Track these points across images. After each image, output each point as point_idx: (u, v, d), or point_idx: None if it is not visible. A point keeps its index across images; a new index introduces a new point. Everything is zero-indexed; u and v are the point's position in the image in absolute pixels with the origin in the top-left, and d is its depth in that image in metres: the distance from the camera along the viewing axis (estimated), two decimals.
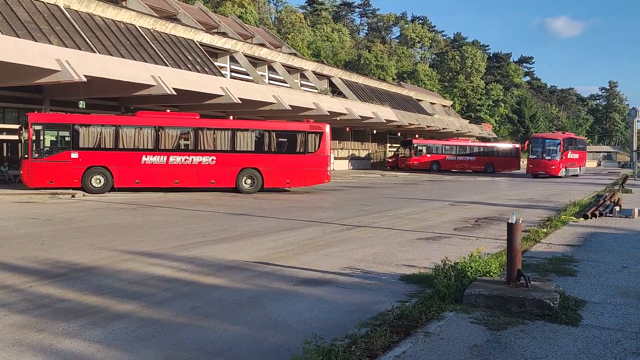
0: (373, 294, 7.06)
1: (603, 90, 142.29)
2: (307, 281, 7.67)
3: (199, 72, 31.75)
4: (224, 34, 41.33)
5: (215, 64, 36.35)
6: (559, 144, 43.00)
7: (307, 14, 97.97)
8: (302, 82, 47.62)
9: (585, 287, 7.21)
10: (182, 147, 22.88)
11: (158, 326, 5.70)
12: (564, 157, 43.57)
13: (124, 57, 26.96)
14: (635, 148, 51.41)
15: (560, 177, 42.55)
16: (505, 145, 57.25)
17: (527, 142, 45.89)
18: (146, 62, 28.13)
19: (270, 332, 5.56)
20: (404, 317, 5.79)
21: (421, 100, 68.83)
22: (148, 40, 31.34)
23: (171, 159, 22.17)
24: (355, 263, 8.85)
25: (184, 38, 34.57)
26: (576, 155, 47.88)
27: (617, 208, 16.21)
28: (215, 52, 38.44)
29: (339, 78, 51.43)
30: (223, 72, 37.01)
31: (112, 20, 30.24)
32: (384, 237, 11.73)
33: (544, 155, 43.30)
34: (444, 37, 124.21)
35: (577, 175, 46.83)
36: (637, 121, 53.58)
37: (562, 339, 5.21)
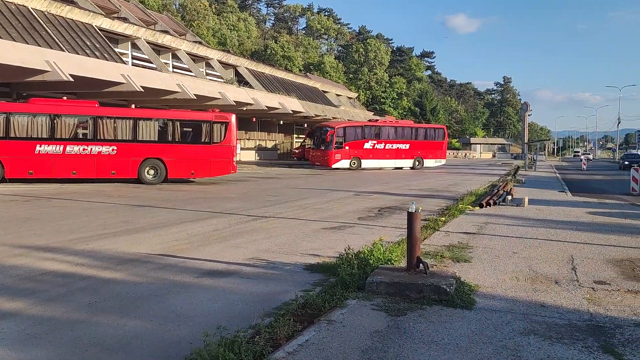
0: (278, 284, 7.06)
1: (498, 85, 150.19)
2: (212, 273, 7.56)
3: (98, 58, 30.33)
4: (125, 20, 39.72)
5: (116, 50, 34.85)
6: (332, 134, 39.07)
7: (212, 2, 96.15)
8: (208, 71, 46.75)
9: (479, 272, 7.58)
10: (80, 137, 21.82)
11: (52, 323, 5.41)
12: (343, 148, 39.58)
13: (15, 41, 25.27)
14: (526, 140, 54.62)
15: (335, 169, 39.18)
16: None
17: (308, 131, 42.48)
18: (40, 46, 26.53)
19: (172, 325, 5.43)
20: (308, 306, 5.84)
21: (327, 92, 69.54)
22: (42, 23, 29.53)
23: (68, 148, 21.10)
24: (260, 254, 8.82)
25: (81, 22, 32.86)
26: (393, 147, 42.72)
27: (510, 197, 17.16)
28: (115, 38, 36.87)
29: (246, 68, 50.94)
30: (124, 59, 35.58)
31: (2, 1, 28.25)
32: (289, 227, 11.77)
33: (321, 145, 40.45)
34: (350, 30, 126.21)
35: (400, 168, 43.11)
36: (529, 115, 56.83)
37: (457, 322, 5.46)
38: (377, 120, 49.73)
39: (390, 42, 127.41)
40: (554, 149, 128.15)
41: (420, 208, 7.05)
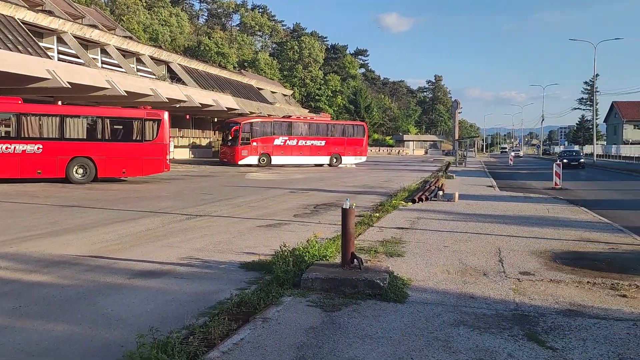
0: (213, 283, 6.99)
1: (430, 84, 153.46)
2: (144, 273, 7.40)
3: (21, 52, 29.02)
4: (50, 13, 38.19)
5: (41, 44, 33.46)
6: (237, 129, 38.81)
7: None
8: (139, 67, 45.59)
9: (411, 266, 7.75)
10: (3, 135, 20.87)
11: None
12: (250, 144, 39.09)
13: None
14: (456, 137, 56.03)
15: (241, 165, 38.63)
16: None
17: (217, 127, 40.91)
18: None
19: (102, 329, 5.28)
20: (243, 305, 5.81)
21: (262, 89, 69.24)
22: None
23: None
24: (195, 253, 8.70)
25: (2, 15, 31.31)
26: (307, 143, 42.06)
27: (441, 193, 17.62)
28: (40, 32, 35.36)
29: (178, 64, 50.00)
30: (50, 53, 34.16)
31: None
32: (224, 225, 11.66)
33: (228, 141, 40.06)
34: (284, 27, 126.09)
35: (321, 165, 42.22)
36: (459, 112, 58.41)
37: (391, 316, 5.57)
38: (310, 117, 48.70)
39: (325, 39, 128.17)
40: (483, 145, 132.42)
41: (354, 204, 7.14)
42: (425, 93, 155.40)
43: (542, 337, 5.10)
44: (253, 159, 39.34)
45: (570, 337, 5.11)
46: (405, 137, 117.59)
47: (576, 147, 77.84)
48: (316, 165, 42.35)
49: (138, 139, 22.88)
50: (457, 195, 16.98)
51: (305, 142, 42.04)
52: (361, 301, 6.00)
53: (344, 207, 6.82)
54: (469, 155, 75.47)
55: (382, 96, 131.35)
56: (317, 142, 42.50)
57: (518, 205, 16.00)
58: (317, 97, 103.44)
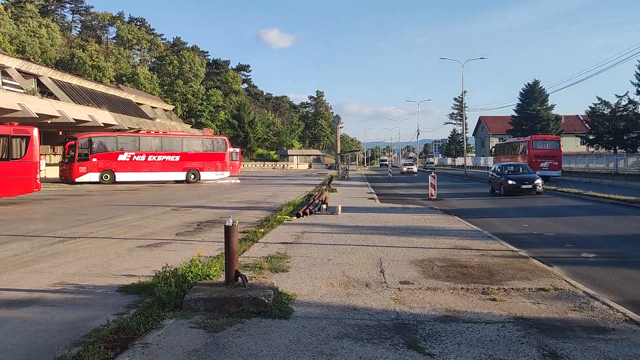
0: (87, 309, 6.59)
1: (312, 99, 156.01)
2: (10, 303, 6.83)
3: None
4: None
5: None
6: (73, 144, 37.08)
7: (8, 5, 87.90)
8: (5, 80, 42.50)
9: (296, 281, 7.77)
10: None
11: None
12: (89, 160, 37.31)
13: None
14: (338, 151, 57.35)
15: (79, 182, 36.64)
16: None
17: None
18: None
19: None
20: (122, 331, 5.54)
21: (142, 104, 67.07)
22: None
23: None
24: (68, 278, 8.18)
25: None
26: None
27: (325, 206, 17.91)
28: None
29: (49, 78, 47.24)
30: None
31: None
32: (101, 247, 11.09)
33: (66, 158, 38.19)
34: (164, 41, 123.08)
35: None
36: (340, 127, 59.81)
37: (276, 333, 5.54)
38: (162, 132, 46.41)
39: (206, 54, 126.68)
40: (364, 158, 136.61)
41: (238, 221, 7.06)
42: (307, 108, 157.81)
43: (421, 344, 5.29)
44: (94, 176, 37.39)
45: (446, 342, 5.34)
46: (290, 151, 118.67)
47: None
48: (176, 181, 40.68)
49: (4, 157, 21.22)
50: (340, 208, 17.33)
51: (156, 158, 39.96)
52: (246, 319, 5.92)
53: (226, 224, 6.72)
54: (351, 168, 77.52)
55: (266, 111, 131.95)
56: (170, 158, 40.42)
57: (397, 216, 16.60)
58: (199, 113, 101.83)
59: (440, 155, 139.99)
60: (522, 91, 74.35)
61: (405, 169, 68.88)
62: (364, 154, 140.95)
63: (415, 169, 70.13)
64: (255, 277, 7.71)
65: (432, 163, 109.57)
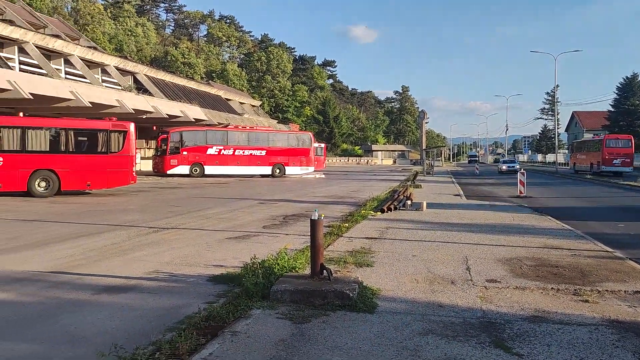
0: (180, 297, 6.89)
1: (397, 94, 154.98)
2: (109, 289, 7.25)
3: None
4: (10, 22, 37.46)
5: (1, 55, 32.81)
6: (165, 138, 39.03)
7: (107, 6, 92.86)
8: (104, 78, 45.02)
9: (380, 276, 7.77)
10: None
11: None
12: (180, 153, 38.81)
13: None
14: (424, 147, 56.63)
15: (171, 174, 38.30)
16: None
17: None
18: None
19: (65, 347, 5.14)
20: (212, 318, 5.74)
21: (230, 100, 69.01)
22: None
23: None
24: (162, 266, 8.57)
25: None
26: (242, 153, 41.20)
27: (409, 202, 17.75)
28: (0, 42, 34.71)
29: (145, 75, 49.53)
30: (11, 64, 33.55)
31: None
32: (192, 238, 11.53)
33: (158, 151, 40.20)
34: (252, 38, 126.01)
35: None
36: (426, 123, 58.96)
37: (360, 326, 5.56)
38: (249, 126, 47.48)
39: (293, 50, 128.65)
40: (449, 154, 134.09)
41: (323, 215, 7.14)
42: (392, 103, 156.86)
43: (509, 343, 5.15)
44: (184, 169, 38.83)
45: (535, 343, 5.18)
46: (374, 147, 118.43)
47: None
48: (262, 175, 41.68)
49: (103, 150, 22.51)
50: (424, 205, 17.13)
51: (243, 152, 41.09)
52: (331, 312, 5.98)
53: (312, 218, 6.80)
54: (437, 164, 76.35)
55: (351, 107, 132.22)
56: (256, 152, 41.50)
57: (484, 214, 16.21)
58: (285, 108, 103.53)
59: (529, 151, 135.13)
60: (619, 85, 70.51)
61: (505, 167, 57.12)
62: (449, 149, 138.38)
63: (518, 166, 55.72)
64: (340, 271, 7.77)
65: (475, 156, 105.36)
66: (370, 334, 5.35)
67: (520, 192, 24.06)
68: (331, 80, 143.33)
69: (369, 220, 14.37)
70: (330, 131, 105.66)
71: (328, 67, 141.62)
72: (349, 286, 6.42)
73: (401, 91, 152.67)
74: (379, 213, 15.81)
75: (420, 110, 70.23)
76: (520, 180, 24.57)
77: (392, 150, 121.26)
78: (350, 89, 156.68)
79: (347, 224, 13.18)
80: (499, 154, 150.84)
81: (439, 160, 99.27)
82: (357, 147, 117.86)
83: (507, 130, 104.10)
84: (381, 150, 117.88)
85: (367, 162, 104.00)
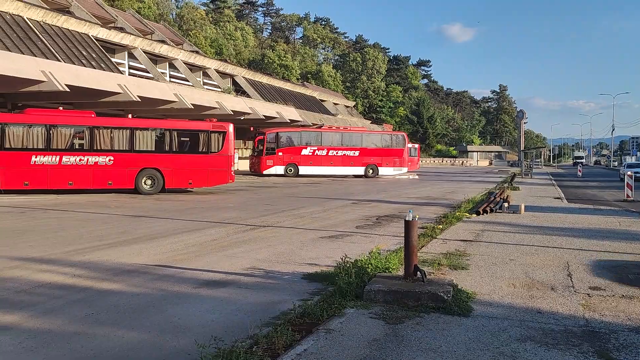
0: (276, 293, 7.08)
1: (494, 93, 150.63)
2: (209, 283, 7.57)
3: (94, 68, 30.40)
4: (121, 29, 39.86)
5: (113, 60, 34.97)
6: (262, 139, 39.83)
7: (209, 11, 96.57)
8: (205, 80, 46.90)
9: (476, 280, 7.60)
10: (77, 147, 21.82)
11: (48, 336, 5.41)
12: (276, 154, 39.55)
13: (10, 51, 25.32)
14: (522, 148, 54.64)
15: (266, 175, 39.11)
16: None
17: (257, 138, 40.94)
18: (35, 56, 26.60)
19: (169, 337, 5.43)
20: (306, 315, 5.86)
21: (324, 101, 69.74)
22: (37, 33, 29.61)
23: (64, 159, 21.09)
24: (258, 263, 8.83)
25: (77, 32, 32.97)
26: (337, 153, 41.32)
27: (506, 204, 17.20)
28: (112, 48, 37.00)
29: (243, 77, 51.09)
30: (121, 68, 35.69)
31: None
32: (287, 236, 11.79)
33: (255, 151, 41.04)
34: (346, 39, 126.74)
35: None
36: (524, 123, 56.87)
37: (455, 330, 5.48)
38: (342, 127, 47.54)
39: (387, 51, 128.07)
40: (549, 155, 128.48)
41: (417, 216, 7.09)
42: (489, 103, 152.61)
43: (614, 354, 4.90)
44: (279, 169, 39.57)
45: None
46: (469, 147, 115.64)
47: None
48: (355, 176, 41.75)
49: (204, 150, 23.50)
50: (523, 207, 16.55)
51: (337, 153, 41.26)
52: (424, 314, 5.93)
53: (406, 218, 6.78)
54: (536, 165, 73.45)
55: (446, 107, 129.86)
56: (349, 153, 41.61)
57: (587, 218, 15.43)
58: (378, 109, 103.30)
59: (638, 153, 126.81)
60: None
61: (630, 173, 30.30)
62: (549, 150, 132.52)
63: None
64: (433, 273, 7.69)
65: (582, 158, 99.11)
66: (465, 338, 5.26)
67: (628, 196, 22.69)
68: (425, 80, 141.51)
69: (463, 222, 14.09)
70: (424, 131, 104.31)
71: (422, 67, 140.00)
72: (443, 288, 6.34)
73: (498, 90, 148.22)
74: (475, 215, 15.44)
75: (518, 109, 67.77)
76: (627, 183, 23.17)
77: (488, 151, 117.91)
78: (445, 88, 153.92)
79: (441, 226, 12.99)
80: (603, 155, 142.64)
81: (538, 161, 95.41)
82: (451, 148, 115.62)
83: (613, 130, 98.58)
84: (477, 151, 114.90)
85: (461, 163, 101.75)
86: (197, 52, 50.58)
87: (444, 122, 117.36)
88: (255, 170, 40.19)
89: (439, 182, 37.31)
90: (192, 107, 32.60)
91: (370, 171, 42.11)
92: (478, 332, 5.44)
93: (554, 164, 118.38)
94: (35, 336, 5.39)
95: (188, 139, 23.77)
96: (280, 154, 39.76)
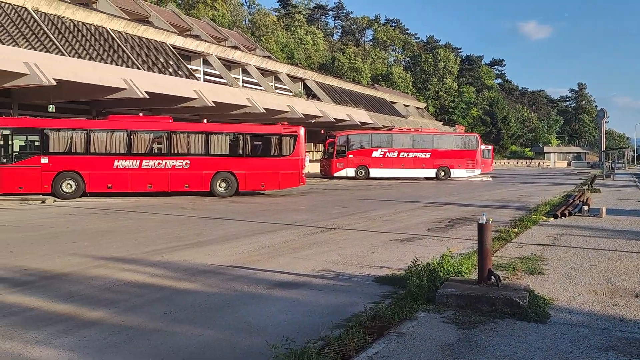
0: (347, 295, 7.10)
1: (572, 92, 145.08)
2: (282, 284, 7.68)
3: (172, 75, 31.52)
4: (197, 37, 41.12)
5: (189, 67, 36.14)
6: (332, 142, 39.71)
7: (280, 17, 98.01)
8: (277, 85, 47.62)
9: (553, 285, 7.34)
10: (155, 151, 22.67)
11: (130, 332, 5.66)
12: (346, 156, 39.47)
13: (94, 60, 26.65)
14: (603, 148, 52.44)
15: (337, 177, 39.11)
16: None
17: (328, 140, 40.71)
18: (117, 65, 27.86)
19: (243, 336, 5.55)
20: (378, 318, 5.84)
21: (395, 103, 69.28)
22: (119, 43, 31.02)
23: (144, 163, 21.96)
24: (329, 265, 8.88)
25: (156, 41, 34.30)
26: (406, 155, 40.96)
27: (586, 207, 16.51)
28: (188, 55, 38.22)
29: (313, 81, 51.52)
30: (196, 75, 36.82)
31: (82, 22, 29.85)
32: (358, 239, 11.79)
33: (326, 154, 40.89)
34: (417, 40, 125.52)
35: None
36: (605, 122, 54.52)
37: (531, 337, 5.31)
38: (413, 129, 46.94)
39: (459, 51, 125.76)
40: (633, 156, 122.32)
41: (491, 219, 6.93)
42: (567, 102, 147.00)
43: None
44: (349, 172, 39.45)
45: None
46: (546, 148, 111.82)
47: None
48: (426, 178, 41.14)
49: (276, 154, 23.87)
50: (604, 210, 15.83)
51: (408, 155, 40.83)
52: (499, 320, 5.78)
53: (480, 222, 6.64)
54: (618, 167, 70.19)
55: (521, 107, 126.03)
56: (420, 155, 41.08)
57: None
58: (450, 110, 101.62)
59: None
60: None
61: None
62: (633, 151, 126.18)
63: None
64: (508, 278, 7.49)
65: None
66: (543, 345, 5.09)
67: None
68: (499, 80, 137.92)
69: (540, 225, 13.64)
70: (498, 132, 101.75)
71: (496, 67, 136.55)
72: (519, 294, 6.16)
73: (577, 89, 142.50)
74: (552, 218, 14.91)
75: (599, 109, 64.90)
76: None
77: (566, 152, 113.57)
78: (520, 88, 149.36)
79: (516, 229, 12.62)
80: None
81: (621, 162, 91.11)
82: (527, 149, 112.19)
83: None
84: (554, 152, 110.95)
85: (538, 165, 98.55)
86: (268, 57, 51.42)
87: (519, 123, 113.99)
88: (326, 172, 40.42)
89: (514, 184, 36.27)
90: (264, 112, 33.17)
91: (442, 173, 41.48)
92: (556, 339, 5.25)
93: (639, 165, 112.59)
94: (119, 332, 5.65)
95: (260, 142, 24.21)
96: (350, 156, 39.80)
